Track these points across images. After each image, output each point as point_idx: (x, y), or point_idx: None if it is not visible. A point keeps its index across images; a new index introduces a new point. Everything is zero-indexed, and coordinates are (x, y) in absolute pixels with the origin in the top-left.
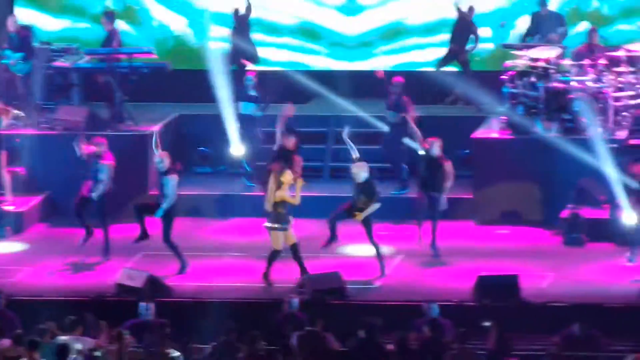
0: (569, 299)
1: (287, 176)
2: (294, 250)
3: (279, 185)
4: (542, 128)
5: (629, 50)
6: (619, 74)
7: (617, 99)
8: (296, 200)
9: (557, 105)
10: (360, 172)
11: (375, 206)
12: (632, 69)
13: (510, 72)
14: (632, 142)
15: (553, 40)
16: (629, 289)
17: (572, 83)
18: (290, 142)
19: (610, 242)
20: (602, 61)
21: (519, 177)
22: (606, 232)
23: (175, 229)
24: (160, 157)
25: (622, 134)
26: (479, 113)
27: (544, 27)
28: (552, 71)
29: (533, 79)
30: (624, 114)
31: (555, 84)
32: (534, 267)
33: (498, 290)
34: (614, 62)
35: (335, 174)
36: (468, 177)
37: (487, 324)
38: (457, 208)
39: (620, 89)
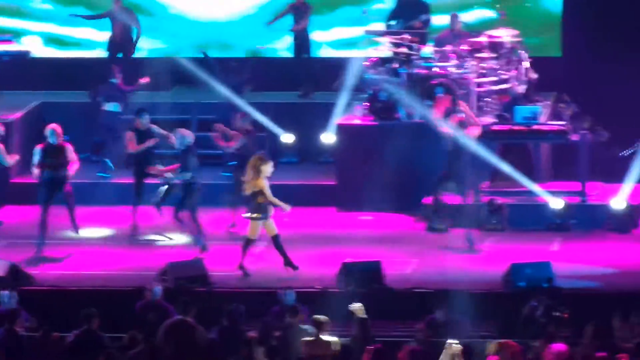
0: (433, 284)
1: (268, 167)
2: (276, 242)
3: (258, 174)
4: (405, 114)
5: (491, 36)
6: (482, 60)
7: (479, 85)
8: (271, 198)
9: (419, 91)
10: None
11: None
12: (494, 55)
13: (372, 59)
14: (496, 128)
15: (415, 27)
16: (492, 274)
17: (434, 69)
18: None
19: (472, 227)
20: (465, 47)
21: (382, 163)
22: (468, 217)
23: (36, 217)
24: (51, 129)
25: (485, 119)
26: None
27: (406, 12)
28: (414, 57)
29: (395, 65)
30: (486, 100)
31: (418, 70)
32: (398, 253)
33: (362, 277)
34: (476, 48)
35: (201, 161)
36: (331, 163)
37: (354, 306)
38: (320, 194)
39: (483, 75)
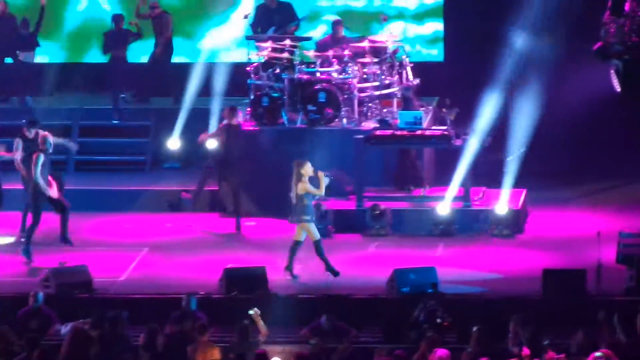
0: (317, 290)
1: (307, 168)
2: (317, 247)
3: (299, 178)
4: (287, 119)
5: (372, 41)
6: (364, 65)
7: (361, 90)
8: (321, 192)
9: (301, 96)
10: None
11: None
12: (376, 60)
13: (254, 64)
14: (378, 133)
15: (291, 32)
16: (376, 279)
17: (316, 74)
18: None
19: (356, 232)
20: (347, 52)
21: (265, 168)
22: (352, 222)
23: None
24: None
25: (367, 124)
26: None
27: (275, 19)
28: (296, 62)
29: (277, 70)
30: (369, 105)
31: (300, 76)
32: (281, 258)
33: (246, 282)
34: (359, 53)
35: (80, 167)
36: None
37: (251, 312)
38: (202, 200)
39: (365, 80)
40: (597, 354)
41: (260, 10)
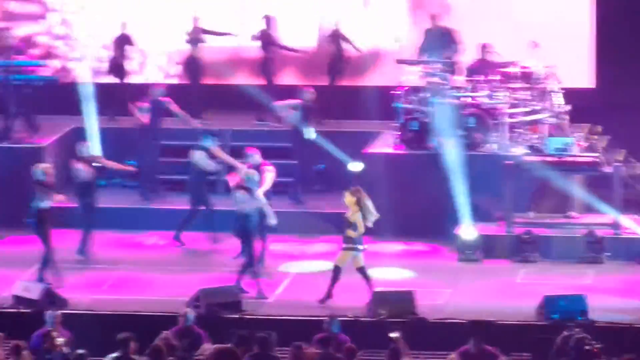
0: (465, 315)
1: (347, 197)
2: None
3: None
4: (437, 144)
5: (522, 67)
6: (513, 90)
7: (511, 116)
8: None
9: (451, 121)
10: None
11: None
12: (526, 85)
13: (403, 87)
14: (528, 158)
15: (448, 57)
16: (523, 306)
17: (466, 99)
18: None
19: (505, 258)
20: (496, 77)
21: (413, 192)
22: (501, 248)
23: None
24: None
25: (517, 150)
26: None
27: (435, 43)
28: (445, 87)
29: (427, 94)
30: (518, 130)
31: (449, 100)
32: (430, 283)
33: (395, 305)
34: (508, 78)
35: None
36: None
37: (394, 335)
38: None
39: (515, 105)
40: None
41: (426, 34)
